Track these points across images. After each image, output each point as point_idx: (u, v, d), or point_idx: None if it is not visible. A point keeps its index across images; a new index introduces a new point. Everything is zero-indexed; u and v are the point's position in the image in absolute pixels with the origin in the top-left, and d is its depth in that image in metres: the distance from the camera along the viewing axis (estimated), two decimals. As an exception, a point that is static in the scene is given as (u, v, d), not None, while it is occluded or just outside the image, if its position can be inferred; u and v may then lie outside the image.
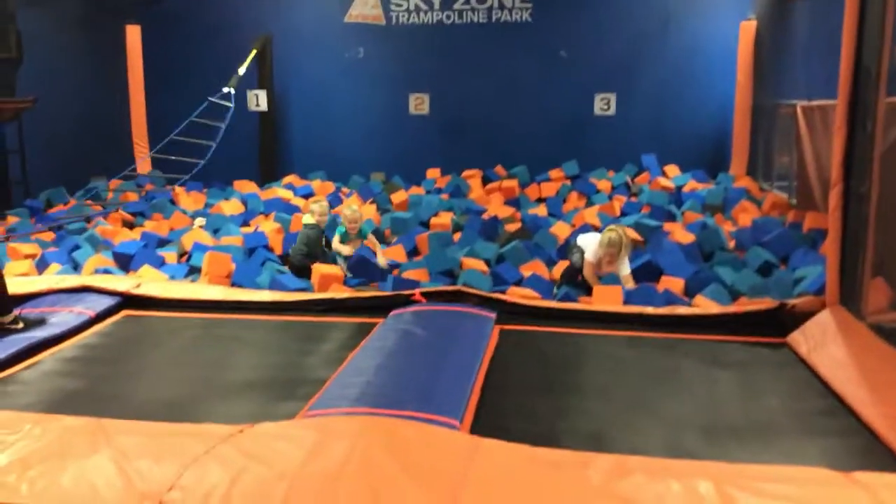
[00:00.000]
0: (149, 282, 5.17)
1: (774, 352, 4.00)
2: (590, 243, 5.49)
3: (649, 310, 4.58)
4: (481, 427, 3.02)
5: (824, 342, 3.85)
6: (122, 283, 5.01)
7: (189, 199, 9.10)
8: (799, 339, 4.04)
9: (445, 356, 3.62)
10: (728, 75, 9.86)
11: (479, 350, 3.75)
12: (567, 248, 5.88)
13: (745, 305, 4.59)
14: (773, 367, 3.79)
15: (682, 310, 4.60)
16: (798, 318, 4.30)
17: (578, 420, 3.16)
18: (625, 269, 5.38)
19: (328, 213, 6.57)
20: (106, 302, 4.72)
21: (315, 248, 6.15)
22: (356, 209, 6.55)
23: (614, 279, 5.30)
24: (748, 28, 9.71)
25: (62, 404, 3.37)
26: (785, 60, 8.74)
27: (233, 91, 9.82)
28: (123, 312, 4.76)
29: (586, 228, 6.94)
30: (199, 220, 7.70)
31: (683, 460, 2.67)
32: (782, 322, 4.34)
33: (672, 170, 9.74)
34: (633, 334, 4.26)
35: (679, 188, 8.98)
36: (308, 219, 6.38)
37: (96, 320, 4.53)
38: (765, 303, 4.51)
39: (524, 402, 3.33)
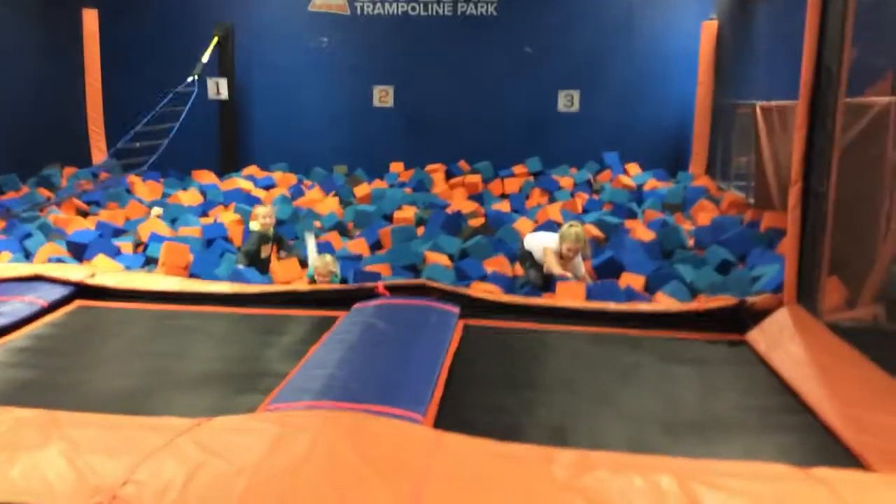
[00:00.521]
0: (103, 272, 5.03)
1: (734, 349, 4.04)
2: (542, 240, 5.51)
3: (612, 306, 4.59)
4: (445, 421, 2.99)
5: (782, 340, 3.90)
6: (76, 272, 4.87)
7: (146, 189, 8.92)
8: (757, 336, 4.09)
9: (409, 350, 3.58)
10: (690, 75, 9.99)
11: (442, 344, 3.72)
12: (520, 258, 5.80)
13: (705, 303, 4.64)
14: (732, 364, 3.83)
15: (643, 306, 4.63)
16: (757, 316, 4.35)
17: (542, 414, 3.15)
18: (580, 268, 5.46)
19: (272, 217, 6.31)
20: (59, 291, 4.57)
21: (255, 256, 5.95)
22: (270, 206, 6.43)
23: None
24: (710, 28, 9.84)
25: (13, 396, 3.25)
26: (745, 61, 8.87)
27: (196, 78, 9.63)
28: (77, 302, 4.62)
29: (549, 225, 6.97)
30: (156, 210, 7.55)
31: (646, 455, 2.68)
32: (741, 320, 4.39)
33: (633, 168, 9.84)
34: (596, 330, 4.27)
35: (640, 186, 9.08)
36: (254, 225, 6.15)
37: (48, 310, 4.39)
38: (724, 300, 4.56)
39: (488, 396, 3.31)
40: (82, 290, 4.70)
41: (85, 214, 7.84)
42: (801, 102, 4.26)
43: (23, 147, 9.53)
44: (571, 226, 5.42)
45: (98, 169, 9.75)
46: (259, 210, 6.19)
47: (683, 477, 2.42)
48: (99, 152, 10.21)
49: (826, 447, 2.94)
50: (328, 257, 5.66)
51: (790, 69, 7.41)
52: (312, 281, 5.71)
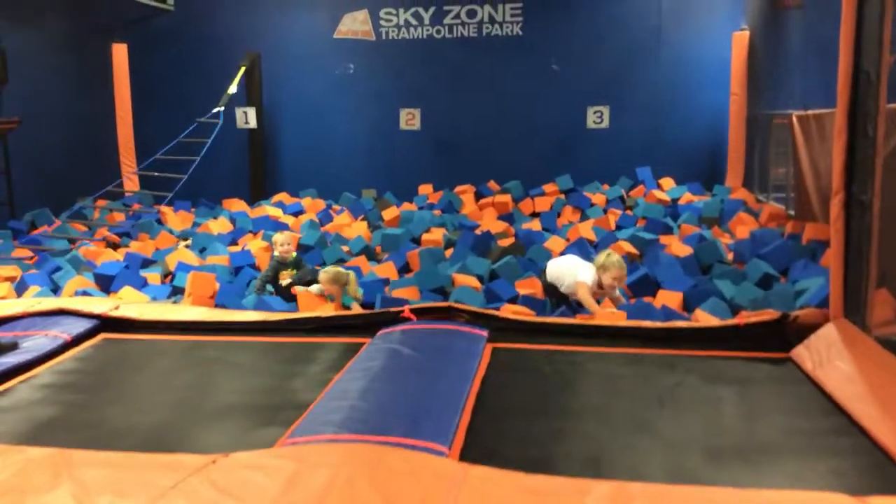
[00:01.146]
0: (129, 303, 5.00)
1: (778, 367, 3.84)
2: (571, 271, 5.11)
3: (648, 324, 4.42)
4: (471, 453, 2.84)
5: (830, 357, 3.69)
6: (100, 305, 4.84)
7: (176, 219, 8.95)
8: (803, 353, 3.88)
9: (435, 377, 3.45)
10: (722, 86, 9.78)
11: (470, 370, 3.58)
12: (544, 288, 5.42)
13: (746, 318, 4.43)
14: (777, 383, 3.63)
15: (682, 323, 4.45)
16: (801, 332, 4.14)
17: (575, 443, 2.99)
18: (618, 290, 5.20)
19: (293, 244, 6.14)
20: (83, 325, 4.53)
21: (274, 284, 5.87)
22: (288, 233, 6.18)
23: None
24: (741, 38, 9.63)
25: (31, 434, 3.19)
26: (779, 70, 8.65)
27: (222, 109, 9.69)
28: (101, 336, 4.58)
29: (581, 243, 6.80)
30: (184, 241, 7.54)
31: (687, 486, 2.50)
32: (785, 336, 4.18)
33: (667, 182, 9.63)
34: (632, 351, 4.09)
35: (675, 201, 8.86)
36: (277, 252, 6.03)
37: (72, 344, 4.35)
38: (766, 314, 4.34)
39: (517, 424, 3.15)
40: (107, 323, 4.66)
41: (115, 247, 7.87)
42: (840, 109, 4.07)
43: (55, 181, 9.67)
44: (609, 254, 5.04)
45: (129, 200, 9.82)
46: (277, 238, 6.05)
47: (729, 510, 2.24)
48: (131, 184, 10.30)
49: (882, 472, 2.73)
50: (331, 268, 5.55)
51: (826, 77, 7.20)
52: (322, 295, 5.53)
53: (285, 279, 5.82)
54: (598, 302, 5.07)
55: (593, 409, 3.33)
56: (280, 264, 5.92)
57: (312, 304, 5.27)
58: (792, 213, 7.71)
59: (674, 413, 3.28)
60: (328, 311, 5.08)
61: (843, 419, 3.16)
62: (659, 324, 4.44)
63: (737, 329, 4.29)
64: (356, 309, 5.35)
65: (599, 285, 5.00)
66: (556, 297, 5.20)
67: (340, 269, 5.60)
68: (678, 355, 4.02)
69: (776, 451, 2.93)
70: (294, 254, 6.03)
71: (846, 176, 4.10)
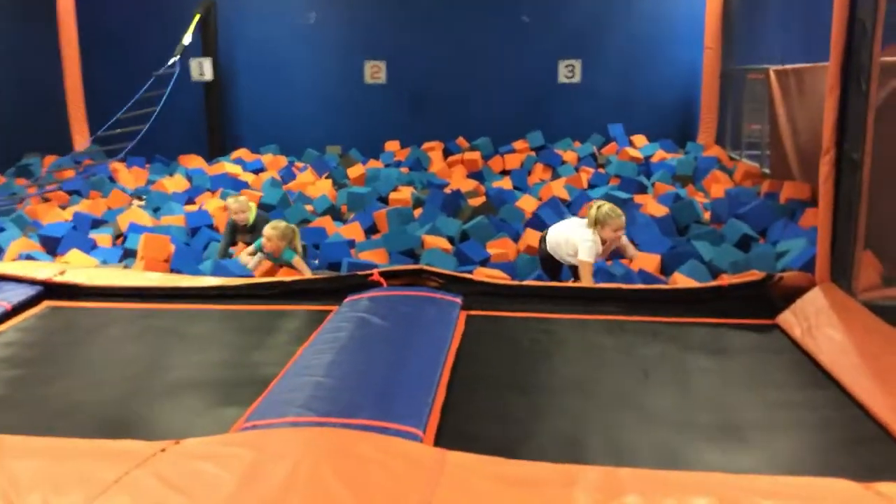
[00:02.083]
0: (75, 268, 4.65)
1: (765, 335, 3.67)
2: (570, 237, 4.56)
3: (629, 286, 4.23)
4: (447, 434, 2.63)
5: (818, 323, 3.53)
6: (45, 269, 4.49)
7: (130, 176, 8.54)
8: (790, 319, 3.72)
9: (406, 349, 3.21)
10: (695, 40, 9.55)
11: (444, 341, 3.35)
12: (541, 258, 4.86)
13: (730, 279, 4.25)
14: (765, 352, 3.46)
15: (664, 286, 4.27)
16: (786, 295, 3.99)
17: (557, 422, 2.79)
18: (628, 247, 4.77)
19: (248, 210, 5.60)
20: (24, 292, 4.19)
21: (223, 250, 5.50)
22: (243, 199, 5.67)
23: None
24: (716, -9, 9.36)
25: (-37, 415, 2.91)
26: (755, 24, 8.43)
27: (178, 59, 9.19)
28: (45, 303, 4.24)
29: (554, 202, 6.57)
30: (138, 200, 7.14)
31: (682, 472, 2.32)
32: (770, 299, 4.03)
33: (639, 139, 9.43)
34: (612, 318, 3.89)
35: (647, 158, 8.68)
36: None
37: (13, 313, 4.00)
38: (751, 275, 4.17)
39: (495, 401, 2.94)
40: (51, 290, 4.32)
41: (65, 206, 7.44)
42: (833, 62, 3.86)
43: (1, 136, 9.10)
44: (599, 207, 4.51)
45: (80, 156, 9.34)
46: (230, 204, 5.60)
47: (728, 499, 2.06)
48: (81, 139, 9.78)
49: (882, 450, 2.57)
50: (279, 222, 5.14)
51: (807, 30, 7.02)
52: (259, 251, 5.12)
53: (241, 251, 5.40)
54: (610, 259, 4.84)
55: (575, 382, 3.13)
56: (234, 228, 5.57)
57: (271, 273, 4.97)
58: (767, 171, 7.57)
59: (659, 386, 3.10)
60: (293, 275, 4.79)
61: (838, 392, 3.01)
62: (641, 286, 4.26)
63: (720, 290, 4.12)
64: (298, 264, 5.05)
65: (603, 242, 4.50)
66: (552, 271, 4.75)
67: (287, 223, 5.21)
68: (660, 322, 3.83)
69: (770, 428, 2.77)
70: (252, 218, 5.61)
71: (838, 133, 3.91)
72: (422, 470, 2.18)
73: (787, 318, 3.75)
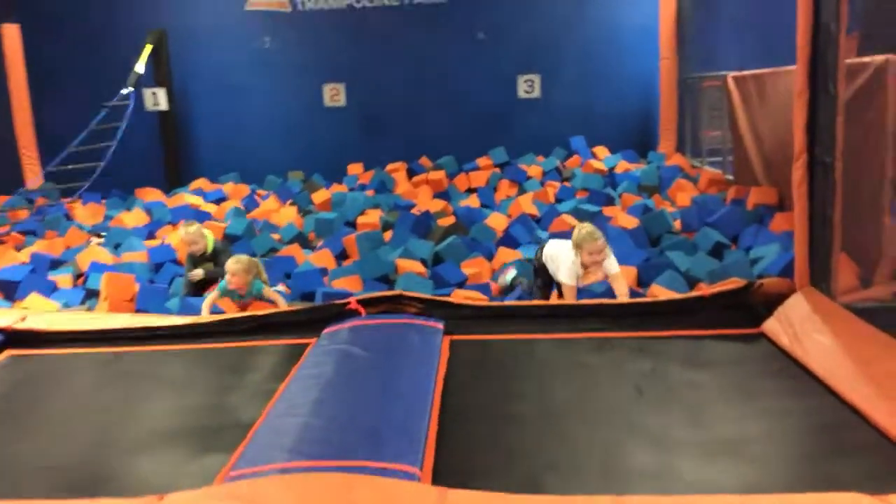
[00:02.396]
0: (36, 313, 4.45)
1: (751, 344, 3.64)
2: (558, 256, 4.48)
3: (612, 301, 4.18)
4: (445, 471, 2.52)
5: (805, 330, 3.51)
6: (4, 316, 4.28)
7: (86, 212, 8.28)
8: (776, 327, 3.69)
9: (393, 382, 3.10)
10: (651, 50, 9.63)
11: (430, 370, 3.25)
12: (535, 268, 4.81)
13: (710, 289, 4.22)
14: (754, 362, 3.43)
15: (647, 299, 4.23)
16: (767, 302, 3.97)
17: (555, 449, 2.70)
18: (613, 265, 4.41)
19: (203, 239, 5.38)
20: (-17, 342, 3.99)
21: (188, 286, 5.26)
22: (194, 229, 5.41)
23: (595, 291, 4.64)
24: (669, 0, 9.47)
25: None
26: (710, 31, 8.53)
27: (132, 90, 8.96)
28: (6, 352, 4.03)
29: (524, 219, 6.52)
30: (97, 238, 6.91)
31: (690, 496, 2.25)
32: (752, 307, 4.01)
33: (601, 151, 9.46)
34: (597, 335, 3.83)
35: (611, 170, 8.70)
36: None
37: (-29, 365, 3.81)
38: (731, 283, 4.15)
39: (489, 431, 2.84)
40: (12, 338, 4.11)
41: (19, 248, 7.16)
42: (800, 66, 3.87)
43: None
44: (580, 229, 4.39)
45: (33, 194, 9.04)
46: (182, 235, 5.38)
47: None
48: (34, 177, 9.48)
49: (888, 460, 2.53)
50: (242, 256, 4.89)
51: (763, 36, 7.11)
52: (226, 294, 4.83)
53: (196, 277, 5.23)
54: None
55: (569, 406, 3.05)
56: (194, 260, 5.37)
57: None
58: (730, 177, 7.63)
59: (654, 404, 3.03)
60: (267, 308, 4.64)
61: (833, 399, 2.98)
62: (624, 300, 4.21)
63: (703, 300, 4.08)
64: (270, 294, 4.86)
65: (584, 266, 4.39)
66: (543, 281, 4.65)
67: (249, 257, 4.97)
68: (646, 337, 3.78)
69: (770, 440, 2.72)
70: (211, 245, 5.41)
71: (808, 137, 3.92)
72: (426, 513, 2.07)
73: (772, 326, 3.73)
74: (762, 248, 5.12)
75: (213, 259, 5.34)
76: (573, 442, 2.75)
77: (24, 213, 8.27)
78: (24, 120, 9.73)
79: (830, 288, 3.90)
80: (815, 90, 3.86)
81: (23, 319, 4.24)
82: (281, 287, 5.23)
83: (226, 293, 4.81)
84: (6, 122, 9.69)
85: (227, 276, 4.76)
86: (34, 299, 4.97)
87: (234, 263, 4.77)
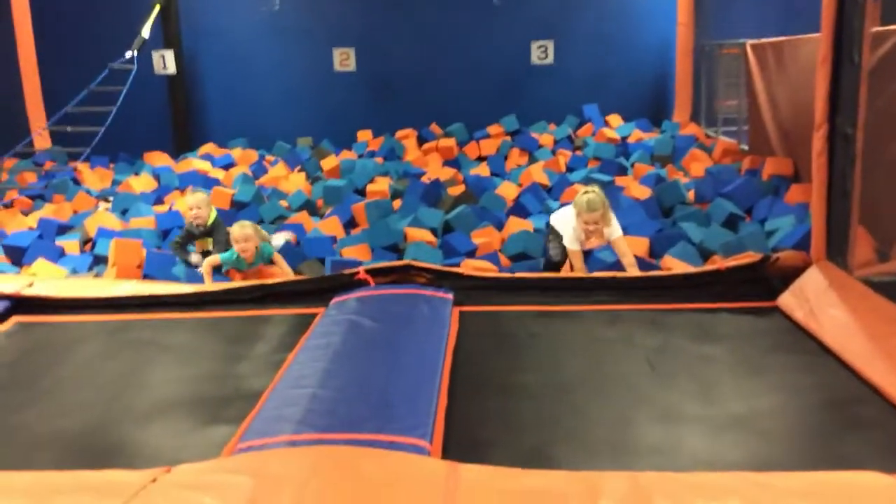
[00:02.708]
0: (44, 279, 4.43)
1: (766, 318, 3.60)
2: (564, 221, 4.38)
3: (625, 274, 4.12)
4: (455, 444, 2.49)
5: (821, 305, 3.45)
6: (11, 282, 4.26)
7: (94, 177, 8.23)
8: (791, 301, 3.64)
9: (403, 353, 3.07)
10: (668, 16, 9.42)
11: (440, 342, 3.21)
12: (544, 237, 4.71)
13: (726, 262, 4.16)
14: (769, 336, 3.38)
15: (661, 272, 4.17)
16: (783, 276, 3.91)
17: (568, 422, 2.67)
18: (615, 230, 4.24)
19: (209, 208, 5.13)
20: (-9, 308, 3.98)
21: (179, 254, 5.07)
22: (202, 194, 5.19)
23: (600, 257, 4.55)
24: (688, -35, 9.25)
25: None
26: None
27: (136, 54, 8.85)
28: (13, 319, 4.02)
29: (535, 188, 6.44)
30: (104, 202, 6.86)
31: (707, 473, 2.21)
32: (767, 281, 3.95)
33: (615, 119, 9.32)
34: (609, 307, 3.78)
35: (624, 139, 8.57)
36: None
37: (-21, 331, 3.80)
38: (747, 257, 4.08)
39: (501, 404, 2.81)
40: (19, 304, 4.10)
41: (27, 212, 7.13)
42: (825, 34, 3.75)
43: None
44: (585, 192, 4.21)
45: (42, 158, 9.00)
46: (188, 200, 5.16)
47: (760, 500, 1.96)
48: (42, 140, 9.42)
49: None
50: (246, 223, 4.67)
51: (783, 3, 6.96)
52: (233, 265, 4.64)
53: (195, 256, 5.06)
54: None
55: (580, 379, 3.01)
56: (189, 234, 5.14)
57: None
58: (745, 147, 7.51)
59: (667, 378, 3.00)
60: (274, 277, 4.61)
61: (848, 374, 2.94)
62: (638, 273, 4.15)
63: (718, 274, 4.02)
64: (278, 259, 4.71)
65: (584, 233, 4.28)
66: (557, 244, 4.51)
67: (249, 223, 4.72)
68: (659, 310, 3.74)
69: (785, 415, 2.69)
70: (211, 219, 5.13)
71: (830, 107, 3.82)
72: (435, 489, 2.04)
73: (787, 300, 3.67)
74: (777, 220, 5.03)
75: (210, 234, 5.16)
76: (583, 415, 2.72)
77: (31, 177, 8.23)
78: (32, 83, 9.64)
79: (847, 262, 3.83)
80: (839, 59, 3.75)
81: (30, 285, 4.22)
82: (288, 235, 5.20)
83: (233, 264, 4.66)
84: (15, 86, 9.60)
85: (239, 245, 4.55)
86: (42, 265, 4.95)
87: (242, 229, 4.55)
